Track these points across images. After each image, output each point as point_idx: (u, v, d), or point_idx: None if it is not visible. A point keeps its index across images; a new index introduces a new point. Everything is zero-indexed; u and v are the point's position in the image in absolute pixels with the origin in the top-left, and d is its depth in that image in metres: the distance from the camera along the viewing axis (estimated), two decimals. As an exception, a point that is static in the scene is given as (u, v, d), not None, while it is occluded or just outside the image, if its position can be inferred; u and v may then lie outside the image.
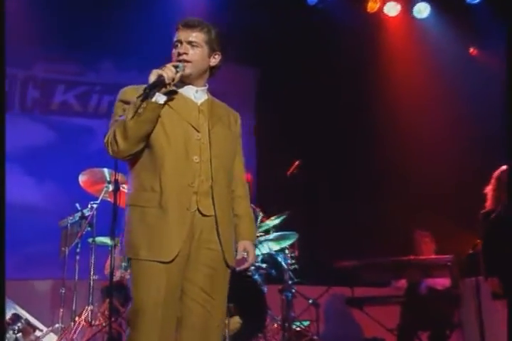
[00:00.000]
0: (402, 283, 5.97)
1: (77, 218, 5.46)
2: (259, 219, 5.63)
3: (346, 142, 7.54)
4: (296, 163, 5.96)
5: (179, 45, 2.80)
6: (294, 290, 5.59)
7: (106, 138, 2.70)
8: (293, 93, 7.46)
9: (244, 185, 3.00)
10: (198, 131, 2.76)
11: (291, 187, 6.09)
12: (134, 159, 2.74)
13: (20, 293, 5.85)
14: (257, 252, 5.45)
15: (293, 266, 5.62)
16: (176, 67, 2.71)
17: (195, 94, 2.84)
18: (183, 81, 2.80)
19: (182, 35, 2.81)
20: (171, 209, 2.64)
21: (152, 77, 2.63)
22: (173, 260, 2.62)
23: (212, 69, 2.88)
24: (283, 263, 5.55)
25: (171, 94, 2.74)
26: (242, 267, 2.90)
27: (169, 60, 2.78)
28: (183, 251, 2.65)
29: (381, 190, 7.36)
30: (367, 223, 7.06)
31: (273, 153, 7.20)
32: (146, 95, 2.62)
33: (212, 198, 2.72)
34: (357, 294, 5.94)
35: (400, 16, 8.04)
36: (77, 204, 5.47)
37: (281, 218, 5.61)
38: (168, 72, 2.65)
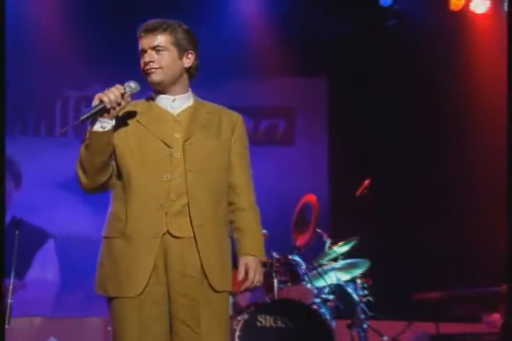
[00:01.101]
0: (495, 317, 5.59)
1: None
2: (326, 246, 5.43)
3: (423, 157, 7.18)
4: (366, 181, 5.70)
5: (144, 54, 2.70)
6: (366, 326, 5.28)
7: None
8: (365, 104, 7.20)
9: (249, 196, 2.84)
10: (168, 146, 2.65)
11: (361, 208, 5.86)
12: (110, 189, 2.69)
13: (77, 332, 5.85)
14: (323, 283, 5.24)
15: (366, 298, 5.32)
16: (125, 87, 2.60)
17: (172, 103, 2.74)
18: (158, 90, 2.73)
19: (144, 42, 2.70)
20: (135, 237, 2.57)
21: (94, 103, 2.56)
22: (142, 292, 2.54)
23: (188, 71, 2.76)
24: (354, 294, 5.27)
25: (129, 116, 2.66)
26: (242, 288, 2.76)
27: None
28: (158, 279, 2.57)
29: (466, 209, 6.92)
30: (451, 247, 6.65)
31: (345, 171, 6.96)
32: (90, 122, 2.55)
33: (190, 217, 2.60)
34: (443, 330, 5.67)
35: (489, 13, 7.58)
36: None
37: (351, 244, 5.38)
38: (109, 95, 2.54)
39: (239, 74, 7.22)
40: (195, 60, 2.76)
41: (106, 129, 2.56)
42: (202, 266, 2.59)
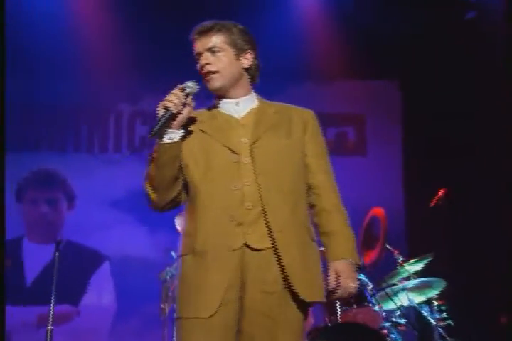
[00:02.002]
0: None
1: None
2: (397, 264, 5.18)
3: (503, 166, 6.78)
4: (441, 192, 5.41)
5: (199, 57, 2.68)
6: (445, 353, 4.97)
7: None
8: (442, 108, 6.87)
9: (332, 196, 2.71)
10: (235, 153, 2.59)
11: (435, 221, 5.55)
12: (181, 204, 2.67)
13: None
14: (394, 305, 4.99)
15: (444, 322, 5.03)
16: (183, 89, 2.57)
17: (236, 107, 2.70)
18: (220, 95, 2.70)
19: (199, 44, 2.69)
20: (206, 252, 2.50)
21: (160, 112, 2.53)
22: (214, 313, 2.45)
23: (248, 71, 2.73)
24: (430, 318, 5.00)
25: (192, 126, 2.65)
26: (334, 296, 2.59)
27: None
28: (231, 296, 2.47)
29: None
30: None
31: (420, 181, 6.65)
32: (158, 135, 2.54)
33: (268, 226, 2.50)
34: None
35: None
36: (173, 253, 5.25)
37: (425, 261, 5.14)
38: (173, 99, 2.52)
39: (300, 79, 7.04)
40: (254, 60, 2.73)
41: (174, 140, 2.56)
42: (286, 276, 2.48)
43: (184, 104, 2.53)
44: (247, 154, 2.57)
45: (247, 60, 2.69)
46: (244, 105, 2.69)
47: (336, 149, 7.14)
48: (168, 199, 2.60)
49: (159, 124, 2.51)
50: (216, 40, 2.65)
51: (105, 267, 6.75)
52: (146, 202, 2.64)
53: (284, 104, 2.79)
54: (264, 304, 2.48)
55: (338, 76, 7.03)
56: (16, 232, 6.80)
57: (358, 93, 7.15)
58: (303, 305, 2.52)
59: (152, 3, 6.57)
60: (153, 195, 2.59)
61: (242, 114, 2.68)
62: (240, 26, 2.72)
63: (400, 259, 5.19)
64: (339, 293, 2.55)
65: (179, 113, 2.53)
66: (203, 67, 2.64)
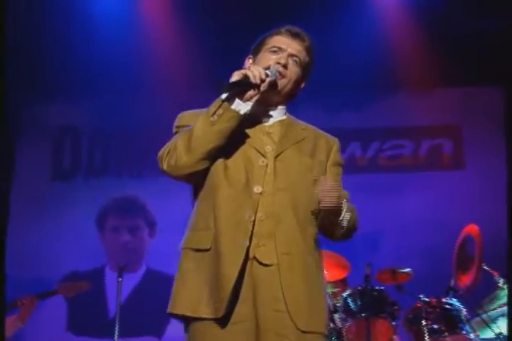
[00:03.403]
0: None
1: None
2: (496, 287, 4.96)
3: None
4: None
5: (279, 52, 2.68)
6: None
7: (161, 151, 2.56)
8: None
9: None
10: (263, 156, 2.58)
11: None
12: (193, 190, 2.64)
13: None
14: (492, 333, 4.76)
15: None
16: (266, 68, 2.56)
17: (266, 114, 2.70)
18: (259, 98, 2.62)
19: (287, 42, 2.69)
20: (223, 249, 2.46)
21: (234, 78, 2.48)
22: (228, 318, 2.42)
23: (291, 96, 2.74)
24: None
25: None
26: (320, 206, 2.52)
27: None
28: (247, 312, 2.44)
29: None
30: None
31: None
32: (225, 99, 2.46)
33: (275, 242, 2.48)
34: None
35: None
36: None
37: None
38: (254, 71, 2.49)
39: (389, 89, 6.91)
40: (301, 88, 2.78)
41: (242, 112, 2.49)
42: (285, 301, 2.44)
43: (262, 81, 2.50)
44: (271, 164, 2.57)
45: (301, 86, 2.75)
46: (275, 115, 2.70)
47: (431, 163, 6.98)
48: (193, 169, 2.50)
49: (235, 83, 2.46)
50: (302, 54, 2.69)
51: (189, 297, 6.78)
52: (164, 162, 2.51)
53: (310, 125, 2.80)
54: (275, 322, 2.44)
55: (430, 85, 6.85)
56: (98, 261, 6.98)
57: (453, 102, 6.95)
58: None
59: (222, 17, 6.61)
60: (183, 155, 2.48)
61: (271, 123, 2.68)
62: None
63: (501, 282, 4.97)
64: (326, 201, 2.48)
65: (254, 86, 2.49)
66: (279, 63, 2.62)
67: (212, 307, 2.41)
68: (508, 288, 3.91)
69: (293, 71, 2.65)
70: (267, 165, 2.56)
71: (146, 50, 6.70)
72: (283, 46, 2.67)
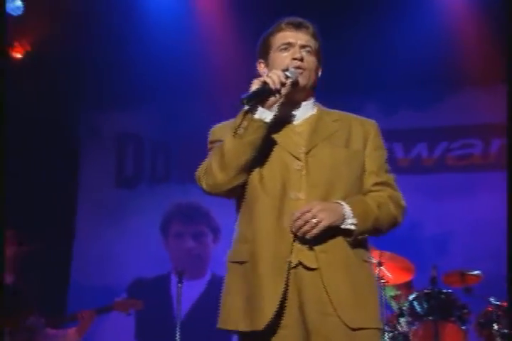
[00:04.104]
0: None
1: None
2: None
3: None
4: None
5: (289, 48, 2.64)
6: None
7: (198, 172, 2.58)
8: None
9: (396, 194, 2.64)
10: (298, 159, 2.54)
11: None
12: (235, 204, 2.64)
13: None
14: None
15: None
16: (285, 70, 2.52)
17: (294, 111, 2.66)
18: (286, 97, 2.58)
19: (292, 35, 2.66)
20: (260, 260, 2.45)
21: (253, 88, 2.48)
22: (277, 325, 2.41)
23: (314, 87, 2.70)
24: None
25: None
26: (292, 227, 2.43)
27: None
28: (295, 318, 2.43)
29: None
30: None
31: None
32: (248, 110, 2.45)
33: (315, 242, 2.46)
34: None
35: None
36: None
37: None
38: (273, 76, 2.47)
39: (451, 86, 6.80)
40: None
41: (267, 120, 2.47)
42: (332, 303, 2.42)
43: (283, 85, 2.47)
44: (304, 163, 2.54)
45: (320, 73, 2.71)
46: (304, 111, 2.66)
47: (502, 162, 6.80)
48: (232, 184, 2.51)
49: (254, 94, 2.44)
50: (312, 42, 2.65)
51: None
52: (203, 182, 2.52)
53: (345, 113, 2.74)
54: (326, 327, 2.41)
55: (497, 80, 6.67)
56: (164, 268, 7.01)
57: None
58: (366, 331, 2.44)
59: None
60: (218, 174, 2.49)
61: (300, 121, 2.65)
62: None
63: None
64: (298, 222, 2.39)
65: (275, 92, 2.47)
66: (294, 59, 2.59)
67: (254, 321, 2.42)
68: (507, 289, 3.78)
69: (310, 61, 2.62)
70: (302, 167, 2.53)
71: (204, 55, 6.71)
72: (291, 40, 2.63)
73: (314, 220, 2.39)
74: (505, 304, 4.61)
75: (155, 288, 6.85)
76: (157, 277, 7.00)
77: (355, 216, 2.48)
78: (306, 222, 2.39)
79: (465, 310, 4.73)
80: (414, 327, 4.71)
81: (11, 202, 5.87)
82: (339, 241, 2.48)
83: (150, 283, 6.97)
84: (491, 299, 4.65)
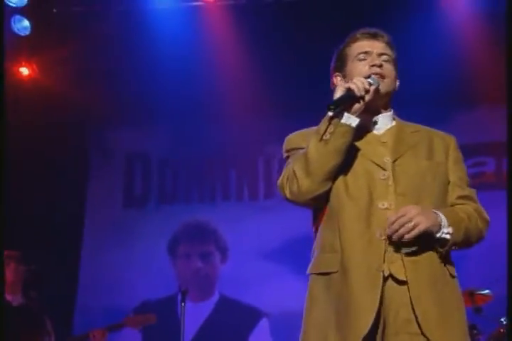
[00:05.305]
0: None
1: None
2: None
3: None
4: None
5: (364, 56, 2.69)
6: None
7: (280, 180, 2.60)
8: None
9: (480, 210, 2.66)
10: (384, 169, 2.57)
11: None
12: (315, 213, 2.65)
13: None
14: None
15: None
16: (367, 77, 2.58)
17: (376, 122, 2.69)
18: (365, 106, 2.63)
19: (368, 44, 2.71)
20: (353, 271, 2.44)
21: (337, 93, 2.53)
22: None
23: (391, 96, 2.74)
24: None
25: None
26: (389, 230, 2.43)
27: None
28: (375, 337, 2.39)
29: None
30: None
31: None
32: (332, 116, 2.50)
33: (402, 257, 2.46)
34: None
35: None
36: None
37: None
38: (357, 82, 2.52)
39: (462, 104, 6.86)
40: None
41: (354, 125, 2.50)
42: (418, 321, 2.40)
43: (367, 91, 2.51)
44: (390, 173, 2.55)
45: (397, 83, 2.73)
46: (385, 122, 2.68)
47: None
48: (317, 192, 2.51)
49: (340, 100, 2.48)
50: (389, 50, 2.71)
51: (263, 325, 6.78)
52: (286, 190, 2.53)
53: (422, 126, 2.78)
54: None
55: (509, 97, 6.74)
56: (171, 289, 7.03)
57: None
58: None
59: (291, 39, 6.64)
60: (304, 180, 2.49)
61: (382, 131, 2.67)
62: None
63: None
64: (394, 226, 2.39)
65: (360, 98, 2.50)
66: (374, 66, 2.63)
67: (348, 336, 2.39)
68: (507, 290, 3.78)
69: (389, 69, 2.66)
70: (388, 177, 2.55)
71: (213, 75, 6.78)
72: (368, 49, 2.68)
73: (411, 224, 2.39)
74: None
75: (162, 309, 6.85)
76: (164, 298, 7.02)
77: (450, 225, 2.47)
78: (402, 226, 2.40)
79: (475, 331, 4.73)
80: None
81: (17, 221, 5.95)
82: (429, 255, 2.47)
83: (157, 304, 6.98)
84: (502, 319, 4.65)
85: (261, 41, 6.65)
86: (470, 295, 4.89)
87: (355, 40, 2.72)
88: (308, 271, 2.58)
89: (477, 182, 6.88)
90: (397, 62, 2.73)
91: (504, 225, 6.15)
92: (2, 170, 3.58)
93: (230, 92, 6.83)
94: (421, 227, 2.39)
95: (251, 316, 6.82)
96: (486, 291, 4.98)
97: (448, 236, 2.46)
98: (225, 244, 7.04)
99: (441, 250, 2.47)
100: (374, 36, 2.71)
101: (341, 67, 2.73)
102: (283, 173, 2.59)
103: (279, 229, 6.76)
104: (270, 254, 6.80)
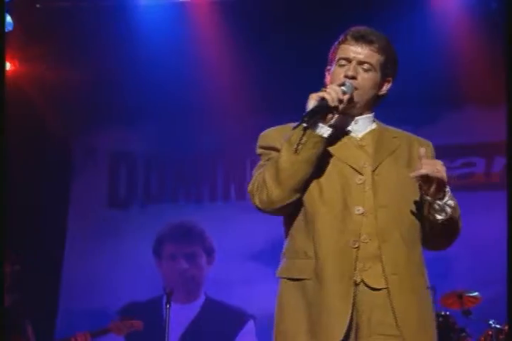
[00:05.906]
0: None
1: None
2: None
3: None
4: None
5: (345, 63, 2.66)
6: None
7: (250, 186, 2.58)
8: None
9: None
10: (360, 174, 2.56)
11: None
12: (287, 217, 2.61)
13: None
14: None
15: None
16: (341, 85, 2.56)
17: (354, 125, 2.67)
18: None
19: (352, 50, 2.66)
20: (327, 278, 2.45)
21: (311, 103, 2.50)
22: None
23: (379, 98, 2.71)
24: None
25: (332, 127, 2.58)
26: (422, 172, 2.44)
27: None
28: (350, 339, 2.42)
29: None
30: None
31: None
32: (306, 126, 2.47)
33: (382, 264, 2.47)
34: None
35: None
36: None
37: None
38: (331, 92, 2.50)
39: (452, 104, 6.84)
40: (389, 89, 2.73)
41: (325, 135, 2.49)
42: (397, 325, 2.43)
43: (340, 101, 2.49)
44: (369, 180, 2.54)
45: (385, 87, 2.69)
46: (364, 124, 2.67)
47: (504, 182, 6.81)
48: (287, 201, 2.50)
49: (313, 111, 2.46)
50: (372, 58, 2.64)
51: (250, 327, 6.77)
52: (256, 198, 2.50)
53: (400, 130, 2.76)
54: None
55: (499, 97, 6.71)
56: (156, 290, 6.98)
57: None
58: None
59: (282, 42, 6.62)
60: (274, 189, 2.48)
61: (361, 134, 2.65)
62: (395, 50, 2.73)
63: None
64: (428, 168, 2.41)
65: (333, 108, 2.49)
66: (347, 76, 2.60)
67: (314, 338, 2.41)
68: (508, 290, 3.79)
69: (365, 79, 2.61)
70: (364, 182, 2.54)
71: (200, 73, 6.75)
72: (349, 56, 2.64)
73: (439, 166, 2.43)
74: (506, 327, 4.61)
75: (147, 311, 6.82)
76: (150, 300, 6.98)
77: (451, 197, 2.50)
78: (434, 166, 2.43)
79: (463, 334, 4.74)
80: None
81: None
82: (410, 262, 2.50)
83: (142, 306, 6.95)
84: (491, 322, 4.65)
85: (249, 38, 6.63)
86: (459, 297, 4.90)
87: (344, 40, 2.68)
88: (278, 274, 2.57)
89: (466, 182, 6.89)
90: (392, 64, 2.68)
91: (494, 226, 6.20)
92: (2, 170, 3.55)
93: (218, 91, 6.82)
94: (444, 175, 2.42)
95: (237, 318, 6.81)
96: (475, 293, 4.98)
97: (449, 209, 2.49)
98: (211, 245, 7.01)
99: (439, 218, 2.49)
100: (360, 40, 2.65)
101: (330, 64, 2.72)
102: (253, 179, 2.58)
103: (266, 230, 6.72)
104: (257, 256, 6.77)
